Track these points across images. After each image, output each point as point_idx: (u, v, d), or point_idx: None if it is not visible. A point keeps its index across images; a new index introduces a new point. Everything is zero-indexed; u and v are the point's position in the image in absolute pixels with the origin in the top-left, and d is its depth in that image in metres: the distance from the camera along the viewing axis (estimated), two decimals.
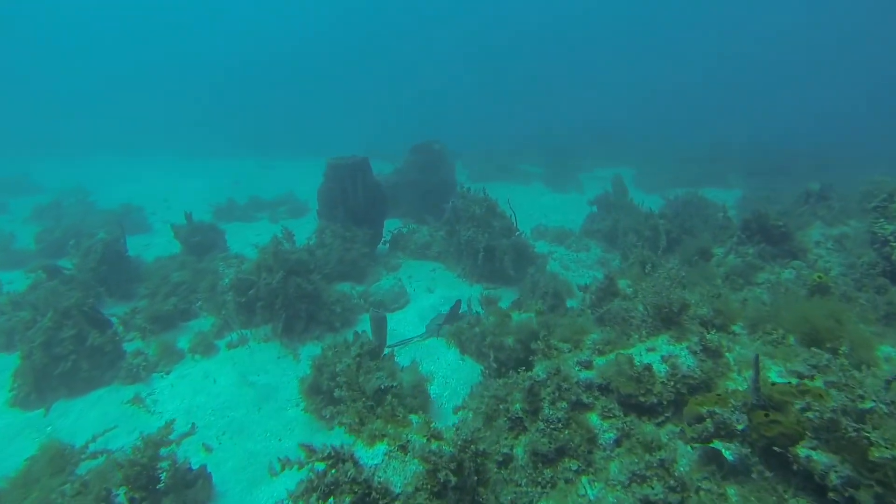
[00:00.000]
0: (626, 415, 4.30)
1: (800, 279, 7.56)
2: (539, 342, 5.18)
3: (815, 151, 23.53)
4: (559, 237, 13.67)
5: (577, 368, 4.70)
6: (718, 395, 3.59)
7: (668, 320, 4.89)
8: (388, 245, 13.08)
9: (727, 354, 4.59)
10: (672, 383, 4.20)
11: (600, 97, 50.90)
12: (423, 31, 76.09)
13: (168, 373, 7.53)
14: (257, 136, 38.55)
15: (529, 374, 4.54)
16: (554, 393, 4.38)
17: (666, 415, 4.20)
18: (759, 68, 57.54)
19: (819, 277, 6.38)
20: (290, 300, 8.11)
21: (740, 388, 4.13)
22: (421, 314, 9.84)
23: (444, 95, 57.05)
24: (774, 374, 4.29)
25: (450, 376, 7.69)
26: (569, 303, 9.23)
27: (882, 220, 6.77)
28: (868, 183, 10.25)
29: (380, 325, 7.12)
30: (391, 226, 14.16)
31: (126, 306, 9.27)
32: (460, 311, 8.63)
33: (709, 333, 4.73)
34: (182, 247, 11.32)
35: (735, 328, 5.51)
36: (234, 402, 6.84)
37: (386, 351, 7.05)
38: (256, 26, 77.67)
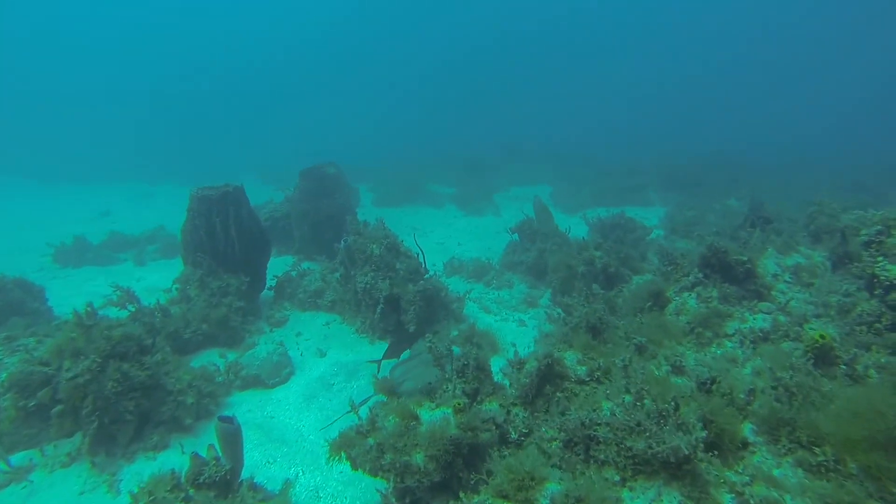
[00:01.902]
0: None
1: (777, 329, 6.10)
2: None
3: (727, 164, 23.51)
4: (477, 272, 11.83)
5: None
6: None
7: (667, 465, 3.03)
8: (273, 292, 10.68)
9: None
10: None
11: (516, 113, 50.13)
12: (326, 50, 73.34)
13: None
14: (144, 159, 33.58)
15: None
16: None
17: None
18: (681, 84, 59.64)
19: (821, 338, 4.84)
20: (107, 400, 5.62)
21: None
22: (308, 390, 7.59)
23: (350, 115, 54.50)
24: None
25: (341, 493, 5.55)
26: (494, 363, 7.34)
27: (882, 259, 5.37)
28: (811, 205, 9.16)
29: (231, 441, 4.85)
30: (283, 265, 11.79)
31: None
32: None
33: (733, 473, 2.91)
34: None
35: (745, 431, 3.78)
36: None
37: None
38: (146, 40, 71.42)
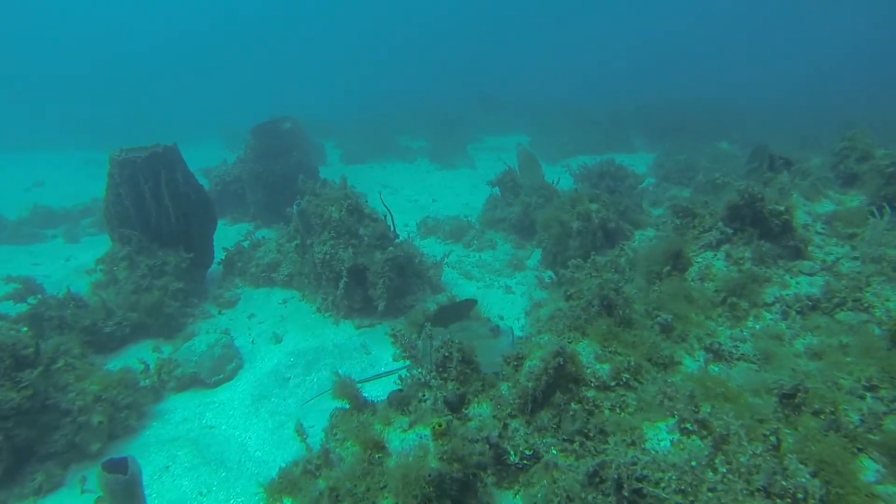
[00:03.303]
0: None
1: (832, 296, 4.91)
2: None
3: (711, 109, 22.28)
4: (455, 232, 10.48)
5: None
6: None
7: None
8: (223, 267, 9.20)
9: None
10: None
11: (492, 64, 47.67)
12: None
13: None
14: (94, 124, 30.20)
15: None
16: None
17: None
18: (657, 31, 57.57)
19: None
20: None
21: None
22: (258, 389, 6.26)
23: (320, 69, 51.31)
24: None
25: None
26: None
27: None
28: (842, 141, 7.84)
29: (124, 495, 3.51)
30: (237, 234, 10.30)
31: None
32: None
33: None
34: None
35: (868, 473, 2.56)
36: None
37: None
38: None
